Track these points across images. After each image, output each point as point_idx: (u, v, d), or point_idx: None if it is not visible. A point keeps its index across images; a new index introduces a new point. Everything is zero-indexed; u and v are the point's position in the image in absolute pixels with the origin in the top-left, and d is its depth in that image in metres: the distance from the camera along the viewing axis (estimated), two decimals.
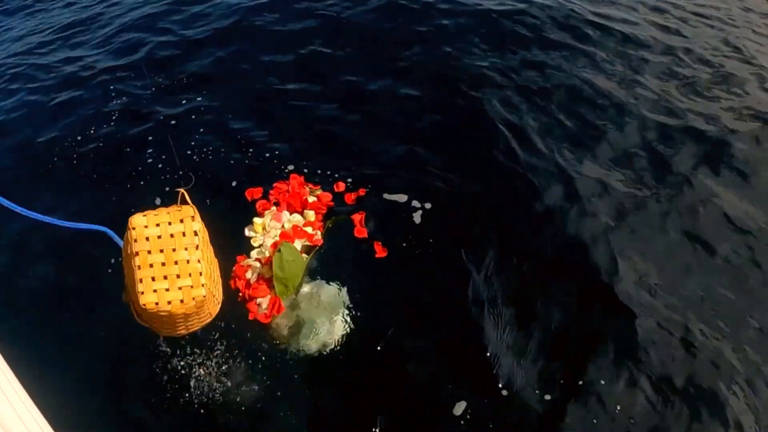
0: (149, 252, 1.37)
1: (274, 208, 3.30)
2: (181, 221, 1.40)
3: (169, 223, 1.39)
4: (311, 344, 2.65)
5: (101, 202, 3.49)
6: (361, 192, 3.44)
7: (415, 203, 3.38)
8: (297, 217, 3.24)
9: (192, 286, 1.39)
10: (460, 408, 2.47)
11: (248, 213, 3.25)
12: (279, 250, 2.76)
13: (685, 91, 4.53)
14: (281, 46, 4.92)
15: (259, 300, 2.79)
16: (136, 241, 1.37)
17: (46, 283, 3.12)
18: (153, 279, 1.37)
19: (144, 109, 4.31)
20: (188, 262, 1.39)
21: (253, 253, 3.06)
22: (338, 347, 2.68)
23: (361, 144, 3.86)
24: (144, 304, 1.37)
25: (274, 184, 3.44)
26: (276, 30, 5.15)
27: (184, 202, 1.44)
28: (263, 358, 2.64)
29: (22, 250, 3.30)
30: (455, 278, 3.01)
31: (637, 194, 3.55)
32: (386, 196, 3.43)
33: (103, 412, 2.45)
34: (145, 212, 1.43)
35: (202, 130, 4.00)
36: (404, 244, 3.15)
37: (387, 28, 5.10)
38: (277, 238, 3.04)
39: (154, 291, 1.36)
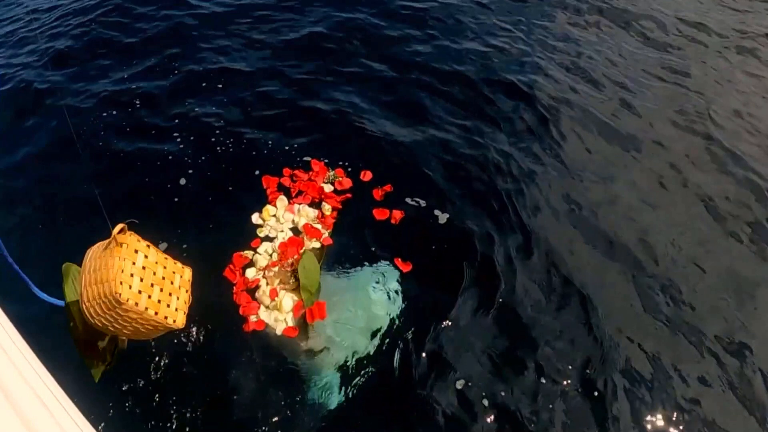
0: (150, 297, 1.45)
1: (284, 197, 3.12)
2: (136, 251, 1.47)
3: (134, 263, 1.44)
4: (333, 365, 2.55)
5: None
6: (388, 188, 3.24)
7: (437, 212, 3.19)
8: (308, 210, 3.05)
9: (181, 283, 1.56)
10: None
11: (263, 201, 3.14)
12: (301, 259, 2.69)
13: None
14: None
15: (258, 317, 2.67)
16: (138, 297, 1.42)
17: None
18: (168, 305, 1.51)
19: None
20: (164, 277, 1.51)
21: (261, 248, 2.90)
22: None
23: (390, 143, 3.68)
24: (175, 321, 1.51)
25: (294, 171, 3.30)
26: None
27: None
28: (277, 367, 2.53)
29: None
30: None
31: None
32: (408, 200, 3.24)
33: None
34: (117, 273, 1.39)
35: (222, 121, 3.83)
36: (425, 254, 2.99)
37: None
38: (286, 238, 2.91)
39: (176, 309, 1.52)
